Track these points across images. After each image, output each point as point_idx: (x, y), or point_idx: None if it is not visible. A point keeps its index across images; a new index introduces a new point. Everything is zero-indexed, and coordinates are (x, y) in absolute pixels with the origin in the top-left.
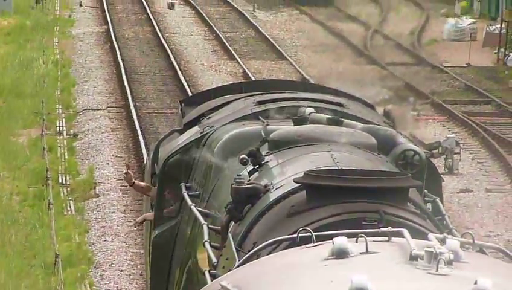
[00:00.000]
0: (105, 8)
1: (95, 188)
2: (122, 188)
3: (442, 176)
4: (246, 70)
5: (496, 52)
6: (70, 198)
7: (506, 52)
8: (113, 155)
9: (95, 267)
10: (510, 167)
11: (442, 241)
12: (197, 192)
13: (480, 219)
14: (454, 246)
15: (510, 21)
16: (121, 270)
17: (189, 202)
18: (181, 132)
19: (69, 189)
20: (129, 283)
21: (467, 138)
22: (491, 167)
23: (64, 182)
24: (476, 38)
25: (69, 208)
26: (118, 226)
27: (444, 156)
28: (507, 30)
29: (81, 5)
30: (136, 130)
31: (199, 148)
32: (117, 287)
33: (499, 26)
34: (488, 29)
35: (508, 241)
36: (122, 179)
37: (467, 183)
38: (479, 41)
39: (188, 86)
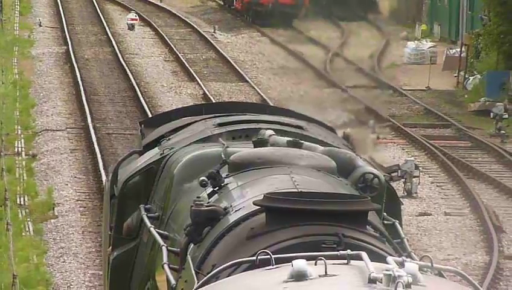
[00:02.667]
0: (65, 29)
1: (53, 209)
2: (81, 209)
3: (401, 199)
4: (206, 92)
5: (455, 76)
6: (28, 219)
7: (466, 76)
8: (72, 176)
9: (53, 288)
10: (469, 191)
11: (401, 265)
12: (157, 214)
13: (439, 242)
14: (413, 269)
15: (470, 45)
16: None
17: (149, 224)
18: (140, 153)
19: (27, 210)
20: None
21: (426, 161)
22: (450, 191)
23: (22, 203)
24: (436, 62)
25: (27, 229)
26: (76, 247)
27: (403, 180)
28: (467, 54)
29: (40, 25)
30: (95, 151)
31: (159, 170)
32: None
33: (458, 49)
34: (448, 52)
35: (466, 264)
36: (81, 200)
37: (426, 206)
38: (439, 64)
39: (148, 107)
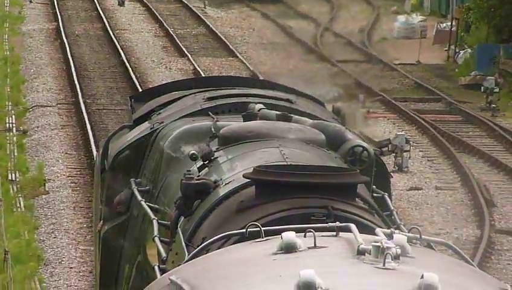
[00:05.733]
0: (56, 5)
1: (44, 185)
2: (72, 185)
3: (392, 173)
4: (197, 67)
5: (446, 50)
6: (19, 195)
7: (457, 50)
8: (63, 152)
9: (44, 264)
10: (460, 165)
11: (390, 236)
12: (147, 187)
13: (430, 216)
14: (402, 241)
15: (460, 18)
16: (71, 268)
17: (139, 198)
18: (131, 127)
19: (18, 186)
20: (79, 280)
21: (416, 135)
22: (441, 165)
23: (13, 179)
24: (426, 36)
25: (18, 205)
26: (67, 223)
27: (394, 154)
28: (457, 28)
29: (31, 2)
30: (86, 127)
31: (149, 144)
32: (67, 284)
33: (449, 23)
34: (438, 26)
35: (458, 238)
36: (72, 176)
37: (417, 181)
38: (429, 38)
39: (139, 82)
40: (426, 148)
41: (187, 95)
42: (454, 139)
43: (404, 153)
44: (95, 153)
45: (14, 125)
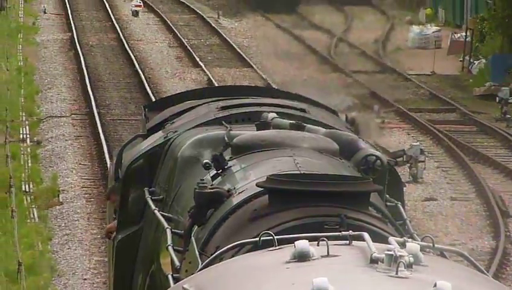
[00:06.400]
0: (70, 15)
1: (58, 195)
2: (86, 195)
3: (407, 184)
4: (211, 77)
5: (460, 60)
6: (33, 206)
7: (471, 60)
8: (76, 163)
9: (58, 275)
10: (475, 176)
11: (403, 245)
12: (161, 197)
13: (445, 227)
14: (414, 249)
15: (475, 29)
16: (84, 279)
17: (153, 207)
18: (145, 137)
19: (32, 197)
20: None
21: (431, 146)
22: (456, 176)
23: (27, 189)
24: (441, 46)
25: (32, 216)
26: (81, 234)
27: (409, 165)
28: (472, 38)
29: (45, 12)
30: (100, 137)
31: (163, 153)
32: None
33: (463, 34)
34: (452, 37)
35: (473, 249)
36: (86, 187)
37: (432, 191)
38: (444, 49)
39: (152, 93)
40: (441, 159)
41: (200, 105)
42: (469, 150)
43: (419, 164)
44: (108, 163)
45: (28, 135)
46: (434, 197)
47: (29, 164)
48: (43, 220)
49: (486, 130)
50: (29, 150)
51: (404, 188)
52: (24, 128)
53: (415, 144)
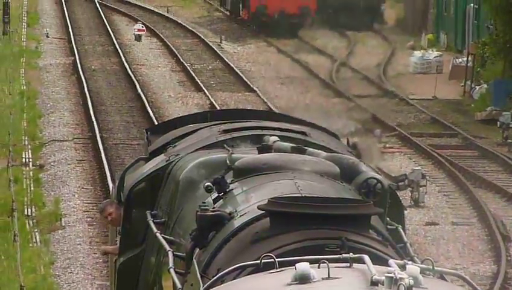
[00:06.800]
0: (72, 40)
1: (60, 219)
2: (88, 219)
3: (408, 208)
4: (213, 101)
5: (462, 85)
6: (36, 230)
7: (473, 85)
8: (79, 187)
9: None
10: (476, 200)
11: (403, 267)
12: (163, 219)
13: (447, 251)
14: (414, 272)
15: (476, 54)
16: None
17: (155, 229)
18: (147, 160)
19: (34, 220)
20: None
21: (433, 170)
22: (457, 200)
23: (30, 213)
24: (442, 71)
25: (34, 240)
26: (83, 258)
27: (410, 189)
28: (473, 63)
29: (47, 36)
30: (102, 161)
31: (164, 176)
32: None
33: (465, 59)
34: (454, 62)
35: (474, 274)
36: (88, 211)
37: (433, 216)
38: (446, 74)
39: (155, 117)
40: (442, 183)
41: (202, 128)
42: (470, 174)
43: (421, 188)
44: (111, 187)
45: (30, 159)
46: (435, 221)
47: (32, 188)
48: (46, 244)
49: (488, 154)
50: (31, 174)
51: (405, 211)
52: (27, 152)
53: (416, 168)
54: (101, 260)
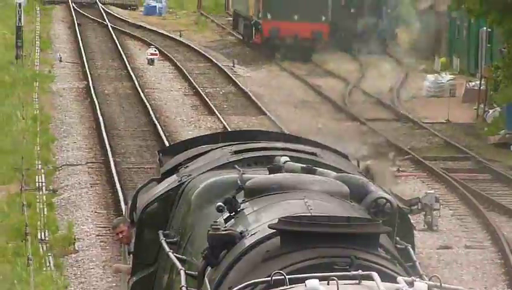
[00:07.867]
0: (85, 64)
1: (74, 244)
2: (102, 244)
3: (421, 232)
4: (226, 125)
5: (475, 109)
6: (49, 254)
7: (486, 109)
8: (92, 211)
9: None
10: (489, 224)
11: (411, 285)
12: (175, 239)
13: (460, 275)
14: (422, 288)
15: (489, 77)
16: None
17: (167, 249)
18: (159, 180)
19: (48, 245)
20: None
21: (446, 194)
22: (471, 224)
23: (43, 237)
24: (456, 95)
25: (48, 264)
26: (97, 282)
27: (424, 213)
28: (486, 86)
29: (61, 61)
30: (116, 185)
31: (177, 197)
32: None
33: (478, 82)
34: (467, 85)
35: None
36: (101, 235)
37: (447, 239)
38: (459, 97)
39: (168, 141)
40: (456, 207)
41: (214, 149)
42: (483, 198)
43: (434, 212)
44: (123, 208)
45: (43, 184)
46: (449, 245)
47: (45, 212)
48: (59, 269)
49: (501, 178)
50: (44, 198)
51: (418, 235)
52: (40, 177)
53: (429, 192)
54: (114, 284)
